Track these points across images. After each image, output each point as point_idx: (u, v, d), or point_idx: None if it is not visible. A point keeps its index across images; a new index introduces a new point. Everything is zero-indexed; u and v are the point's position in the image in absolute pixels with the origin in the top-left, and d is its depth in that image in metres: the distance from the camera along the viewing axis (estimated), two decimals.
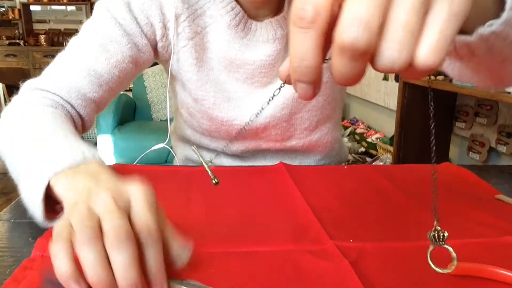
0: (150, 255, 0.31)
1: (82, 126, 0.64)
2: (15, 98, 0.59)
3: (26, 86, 0.61)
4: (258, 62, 0.68)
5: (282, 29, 0.67)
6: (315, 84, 0.26)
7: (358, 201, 0.53)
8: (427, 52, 0.23)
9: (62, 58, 0.63)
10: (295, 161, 0.79)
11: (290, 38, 0.25)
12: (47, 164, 0.41)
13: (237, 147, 0.76)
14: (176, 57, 0.69)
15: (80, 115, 0.62)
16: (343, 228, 0.45)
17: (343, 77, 0.24)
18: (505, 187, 0.60)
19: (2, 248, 0.40)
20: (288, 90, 0.70)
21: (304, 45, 0.24)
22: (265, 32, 0.66)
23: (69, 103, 0.60)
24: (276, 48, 0.67)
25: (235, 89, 0.71)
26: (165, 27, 0.66)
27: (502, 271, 0.36)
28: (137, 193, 0.33)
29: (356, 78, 0.24)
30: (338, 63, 0.24)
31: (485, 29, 0.36)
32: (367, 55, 0.23)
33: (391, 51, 0.23)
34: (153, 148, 0.72)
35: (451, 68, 0.49)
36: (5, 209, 0.49)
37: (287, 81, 0.29)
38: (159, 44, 0.68)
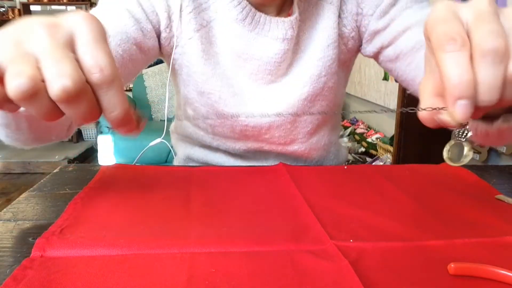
0: (108, 100, 0.28)
1: None
2: None
3: None
4: (265, 58, 0.68)
5: (293, 30, 0.66)
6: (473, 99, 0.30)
7: (358, 201, 0.53)
8: None
9: None
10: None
11: (440, 62, 0.29)
12: None
13: (240, 146, 0.76)
14: (182, 50, 0.69)
15: None
16: (343, 228, 0.45)
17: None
18: (505, 187, 0.60)
19: (2, 248, 0.40)
20: (294, 91, 0.71)
21: (461, 61, 0.28)
22: (275, 29, 0.66)
23: None
24: (284, 48, 0.67)
25: (240, 84, 0.71)
26: (169, 18, 0.66)
27: (502, 271, 0.36)
28: (80, 23, 0.28)
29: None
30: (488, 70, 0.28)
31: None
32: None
33: None
34: (151, 144, 0.72)
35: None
36: (5, 209, 0.49)
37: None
38: (163, 35, 0.68)
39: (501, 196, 0.55)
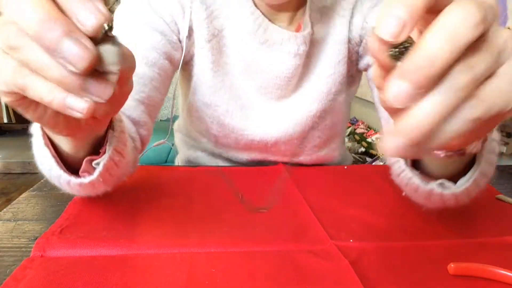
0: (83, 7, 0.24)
1: (139, 133, 0.57)
2: None
3: None
4: (275, 72, 0.65)
5: (306, 46, 0.64)
6: None
7: (358, 201, 0.53)
8: None
9: None
10: None
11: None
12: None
13: (243, 156, 0.74)
14: (193, 60, 0.66)
15: (131, 119, 0.56)
16: (343, 228, 0.45)
17: None
18: (505, 187, 0.60)
19: (2, 248, 0.40)
20: (303, 107, 0.68)
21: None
22: (287, 43, 0.63)
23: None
24: (295, 63, 0.64)
25: (248, 97, 0.68)
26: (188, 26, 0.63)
27: (502, 271, 0.36)
28: None
29: None
30: None
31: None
32: None
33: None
34: (154, 144, 0.72)
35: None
36: (5, 209, 0.49)
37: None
38: (183, 44, 0.65)
39: (501, 196, 0.55)
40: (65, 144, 0.39)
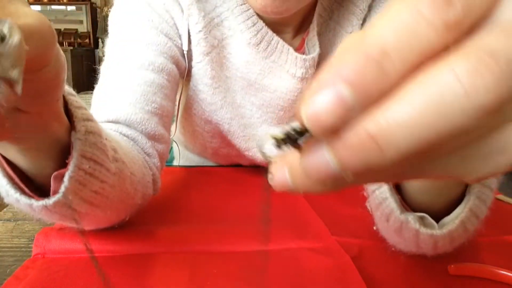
0: None
1: (155, 148, 0.50)
2: None
3: None
4: (278, 93, 0.60)
5: (314, 69, 0.58)
6: None
7: (358, 200, 0.53)
8: None
9: (104, 86, 0.53)
10: None
11: None
12: None
13: (244, 162, 0.71)
14: (191, 72, 0.60)
15: (145, 133, 0.50)
16: (344, 227, 0.46)
17: None
18: (505, 187, 0.60)
19: (2, 248, 0.40)
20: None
21: None
22: (293, 66, 0.57)
23: (128, 126, 0.49)
24: (302, 87, 0.59)
25: (250, 113, 0.63)
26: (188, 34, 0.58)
27: (502, 271, 0.36)
28: None
29: None
30: None
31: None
32: None
33: None
34: None
35: None
36: (5, 209, 0.49)
37: None
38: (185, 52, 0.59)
39: (501, 196, 0.55)
40: (13, 155, 0.30)
